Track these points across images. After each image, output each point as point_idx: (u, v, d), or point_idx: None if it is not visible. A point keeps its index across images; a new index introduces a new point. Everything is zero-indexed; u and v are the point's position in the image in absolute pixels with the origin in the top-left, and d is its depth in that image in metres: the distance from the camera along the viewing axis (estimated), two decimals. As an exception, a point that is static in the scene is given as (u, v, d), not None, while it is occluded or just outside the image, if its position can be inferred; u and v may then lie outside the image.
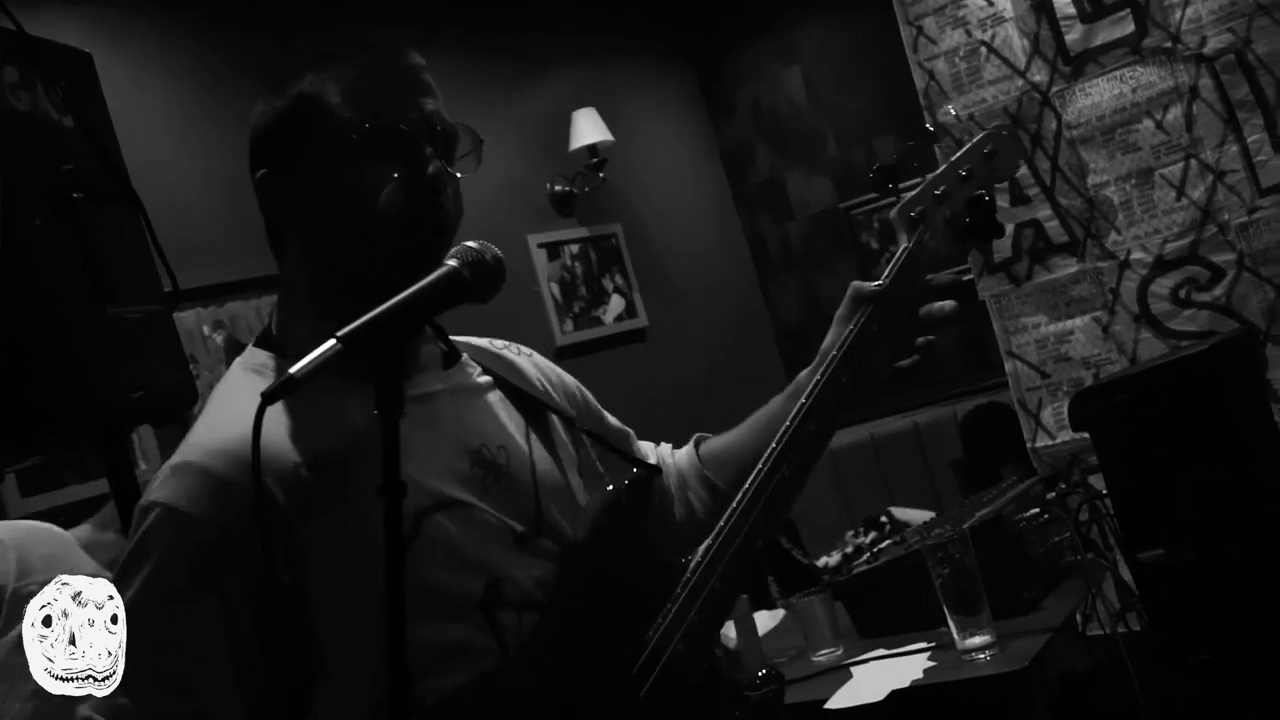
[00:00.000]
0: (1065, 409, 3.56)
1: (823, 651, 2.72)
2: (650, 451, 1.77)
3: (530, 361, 1.65)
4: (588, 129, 5.09)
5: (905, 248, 1.56)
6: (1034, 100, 3.68)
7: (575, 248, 5.24)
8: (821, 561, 3.31)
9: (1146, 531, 2.76)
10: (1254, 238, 3.41)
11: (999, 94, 3.74)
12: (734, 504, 1.45)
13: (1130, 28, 3.53)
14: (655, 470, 1.64)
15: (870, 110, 5.30)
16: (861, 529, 3.45)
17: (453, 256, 1.22)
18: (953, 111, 3.77)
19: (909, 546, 2.82)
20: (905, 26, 3.88)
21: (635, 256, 5.42)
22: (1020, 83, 3.69)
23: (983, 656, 2.40)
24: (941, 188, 1.57)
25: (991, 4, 3.72)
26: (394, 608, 1.10)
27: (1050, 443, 3.71)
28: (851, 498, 4.84)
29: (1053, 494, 3.03)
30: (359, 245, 1.36)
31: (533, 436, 1.52)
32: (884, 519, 3.51)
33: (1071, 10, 3.60)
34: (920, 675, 2.44)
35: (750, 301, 5.86)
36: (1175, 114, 3.49)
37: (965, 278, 3.85)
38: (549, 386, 1.64)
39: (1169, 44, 3.47)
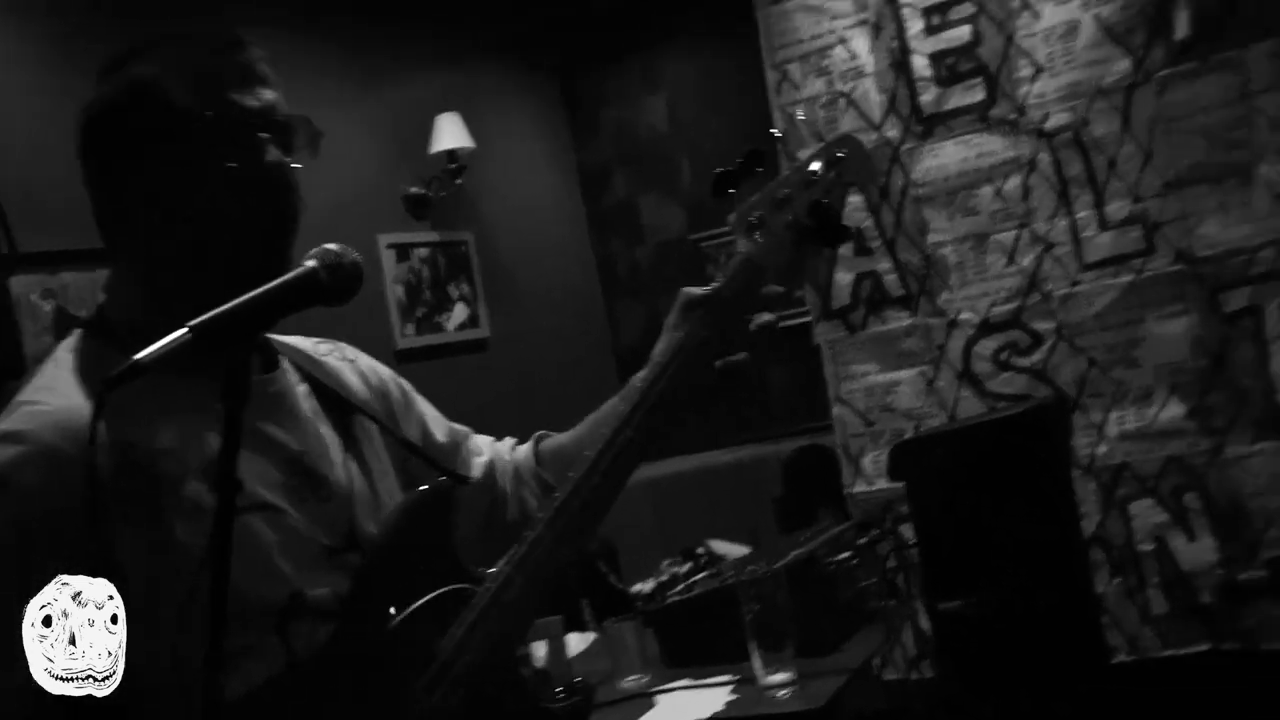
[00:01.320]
0: (884, 457, 3.61)
1: (630, 678, 2.72)
2: (487, 448, 1.73)
3: (353, 367, 1.60)
4: (449, 134, 5.03)
5: (744, 253, 1.52)
6: (885, 156, 3.71)
7: (424, 252, 5.17)
8: (637, 588, 3.31)
9: (948, 583, 2.83)
10: (1073, 309, 3.50)
11: (852, 145, 3.79)
12: (542, 514, 1.41)
13: (981, 95, 3.59)
14: (461, 479, 1.61)
15: (729, 144, 5.30)
16: (679, 559, 3.47)
17: (312, 257, 1.19)
18: (801, 114, 3.80)
19: (723, 580, 2.84)
20: (770, 70, 3.90)
21: (484, 266, 5.38)
22: (874, 136, 3.73)
23: (783, 693, 2.42)
24: (784, 192, 1.53)
25: (854, 58, 3.76)
26: (216, 605, 1.08)
27: (867, 489, 3.74)
28: (672, 528, 4.85)
29: (864, 540, 3.08)
30: (194, 237, 1.32)
31: (349, 448, 1.49)
32: (701, 551, 3.53)
33: (928, 73, 3.65)
34: (721, 707, 2.46)
35: (594, 321, 5.86)
36: (1014, 183, 3.56)
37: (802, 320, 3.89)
38: (370, 392, 1.60)
39: (1014, 116, 3.54)
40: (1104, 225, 3.46)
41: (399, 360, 4.89)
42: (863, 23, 3.73)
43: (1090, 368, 3.48)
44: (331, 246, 1.20)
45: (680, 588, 3.02)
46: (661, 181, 5.68)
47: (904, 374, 3.73)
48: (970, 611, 2.78)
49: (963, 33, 3.59)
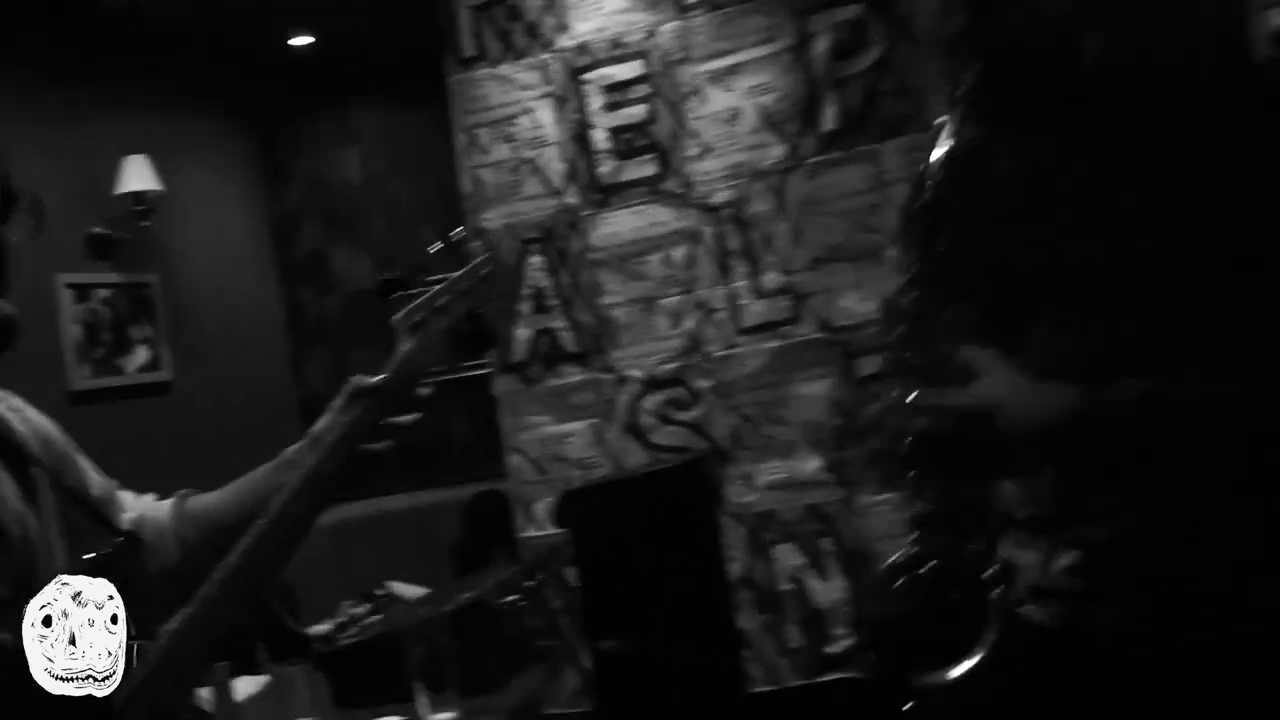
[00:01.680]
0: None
1: (297, 720, 2.71)
2: (132, 504, 1.74)
3: (20, 417, 1.59)
4: (136, 175, 4.90)
5: (406, 351, 1.63)
6: (565, 221, 3.87)
7: (106, 292, 4.99)
8: (315, 629, 3.31)
9: (606, 623, 2.97)
10: (728, 370, 3.73)
11: (536, 209, 3.91)
12: (216, 575, 1.46)
13: (653, 170, 3.80)
14: (136, 542, 1.63)
15: (420, 200, 5.42)
16: (360, 600, 3.48)
17: None
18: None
19: (392, 623, 2.89)
20: (460, 133, 4.00)
21: (170, 309, 5.23)
22: (555, 202, 3.88)
23: None
24: (442, 300, 1.66)
25: (539, 127, 3.90)
26: None
27: (538, 533, 3.82)
28: (355, 570, 4.84)
29: (531, 583, 3.18)
30: None
31: (28, 497, 1.48)
32: (382, 593, 3.55)
33: (607, 146, 3.84)
34: None
35: (279, 368, 5.78)
36: (680, 252, 3.78)
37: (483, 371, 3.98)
38: (36, 441, 1.59)
39: (683, 190, 3.78)
40: (758, 294, 3.73)
41: (73, 402, 4.70)
42: (548, 95, 3.90)
43: (742, 424, 3.73)
44: None
45: (353, 630, 3.05)
46: (352, 233, 5.69)
47: (576, 426, 3.87)
48: (625, 650, 2.93)
49: (639, 111, 3.82)
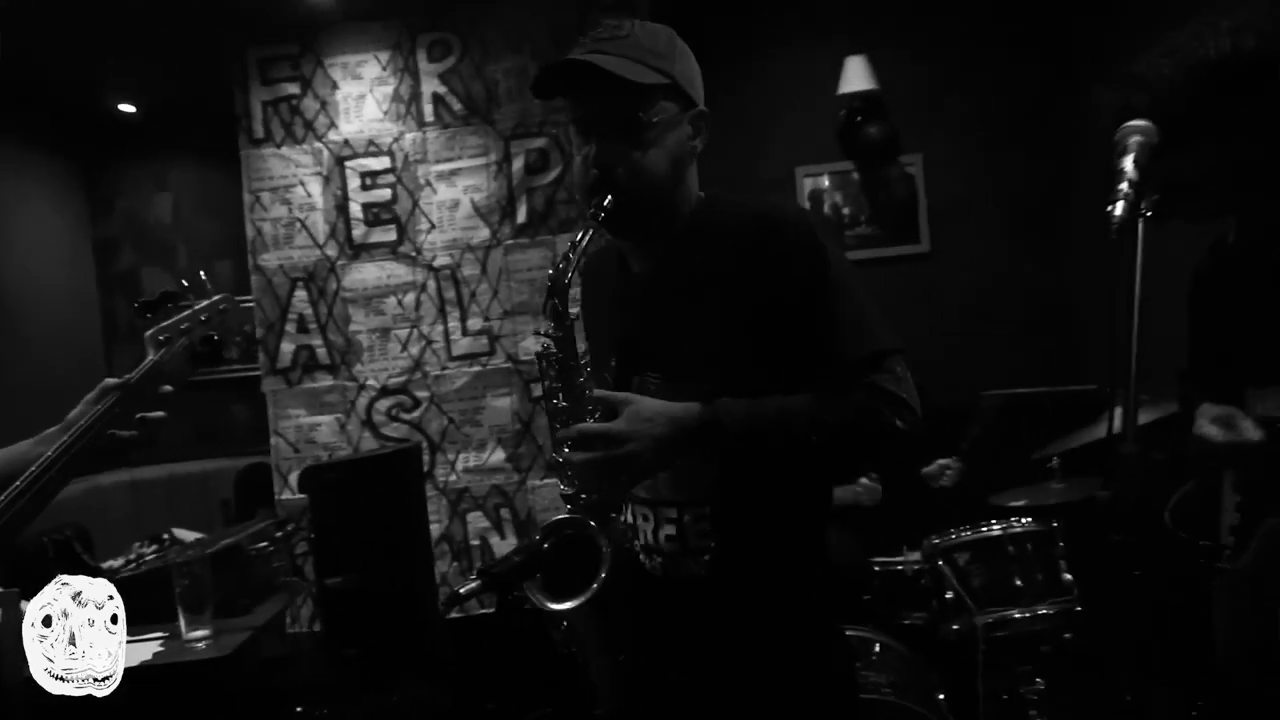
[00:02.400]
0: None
1: (78, 636, 2.57)
2: None
3: None
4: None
5: (152, 360, 1.62)
6: (325, 267, 3.85)
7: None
8: (107, 564, 3.13)
9: (335, 566, 2.96)
10: (441, 385, 3.81)
11: (303, 256, 3.86)
12: None
13: (393, 236, 3.83)
14: None
15: (217, 239, 5.17)
16: (148, 541, 3.31)
17: None
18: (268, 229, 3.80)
19: (165, 560, 2.78)
20: (247, 193, 3.90)
21: (2, 308, 4.75)
22: (319, 253, 3.85)
23: (201, 645, 2.41)
24: (186, 324, 1.67)
25: (310, 196, 3.86)
26: None
27: (291, 497, 3.78)
28: (148, 519, 4.57)
29: (280, 534, 3.13)
30: None
31: None
32: (167, 536, 3.39)
33: (360, 215, 3.84)
34: (149, 656, 2.39)
35: (95, 361, 5.36)
36: (410, 298, 3.82)
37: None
38: None
39: (414, 254, 3.82)
40: (465, 333, 3.82)
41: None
42: (318, 174, 3.86)
43: (450, 424, 3.81)
44: None
45: (133, 564, 2.91)
46: (162, 258, 5.36)
47: (324, 418, 3.83)
48: (347, 585, 2.93)
49: (385, 193, 3.83)
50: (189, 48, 4.03)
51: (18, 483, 1.43)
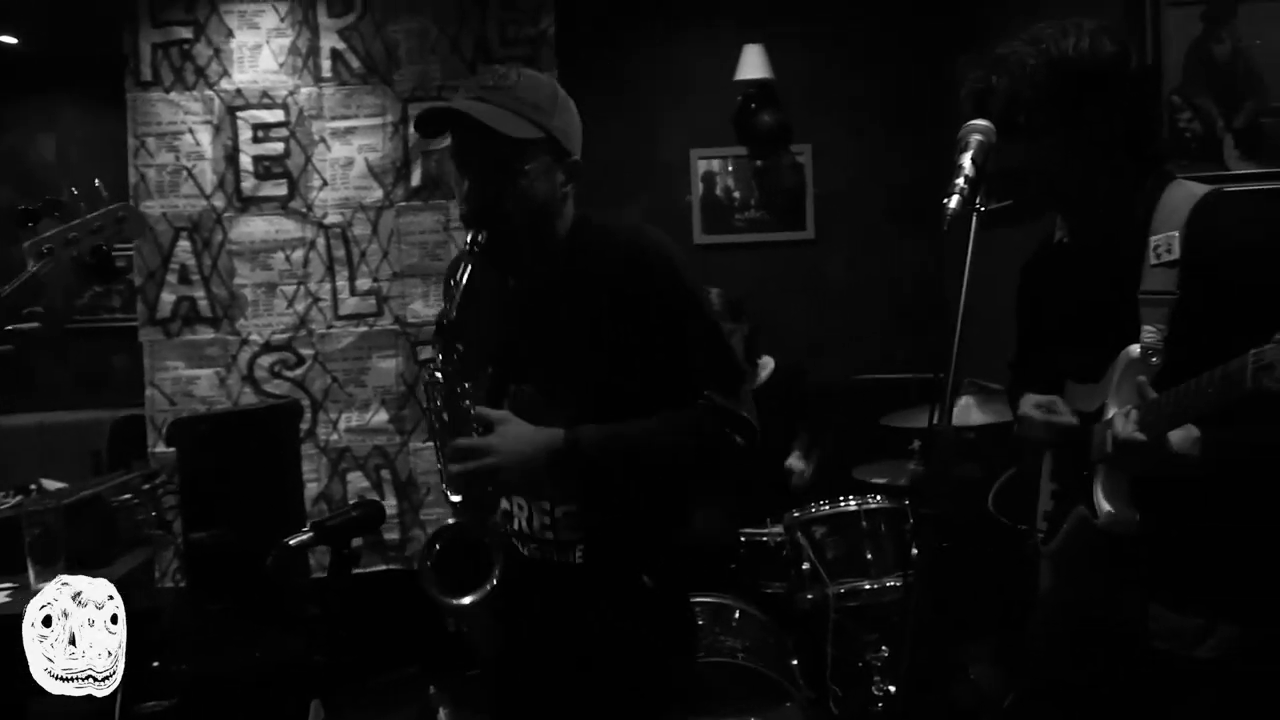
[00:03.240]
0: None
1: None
2: None
3: None
4: None
5: (29, 271, 1.55)
6: (211, 217, 3.72)
7: None
8: (-40, 514, 2.97)
9: (202, 520, 2.89)
10: (327, 344, 3.73)
11: (188, 205, 3.71)
12: None
13: (284, 191, 3.72)
14: None
15: (102, 182, 4.92)
16: (13, 490, 3.17)
17: None
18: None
19: (18, 509, 2.66)
20: (132, 138, 3.73)
21: None
22: (205, 203, 3.71)
23: None
24: (73, 234, 1.60)
25: (199, 145, 3.72)
26: None
27: (165, 450, 3.63)
28: (18, 468, 4.35)
29: (147, 486, 3.03)
30: None
31: None
32: (34, 486, 3.25)
33: (250, 168, 3.71)
34: None
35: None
36: (299, 254, 3.72)
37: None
38: None
39: (305, 210, 3.73)
40: (354, 293, 3.75)
41: None
42: (208, 122, 3.72)
43: (333, 383, 3.74)
44: None
45: (-12, 514, 2.77)
46: (44, 198, 5.07)
47: (204, 372, 3.72)
48: (214, 540, 2.87)
49: (278, 146, 3.72)
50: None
51: None
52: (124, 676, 2.61)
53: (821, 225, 4.00)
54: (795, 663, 2.61)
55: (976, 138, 1.28)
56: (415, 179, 3.72)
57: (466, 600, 1.44)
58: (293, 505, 3.21)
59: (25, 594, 2.33)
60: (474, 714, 2.89)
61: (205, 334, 3.72)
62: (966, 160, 1.26)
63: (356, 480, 3.75)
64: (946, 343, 1.21)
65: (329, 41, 3.72)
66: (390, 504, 3.73)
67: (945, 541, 1.54)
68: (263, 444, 3.02)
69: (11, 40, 4.69)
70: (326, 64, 3.72)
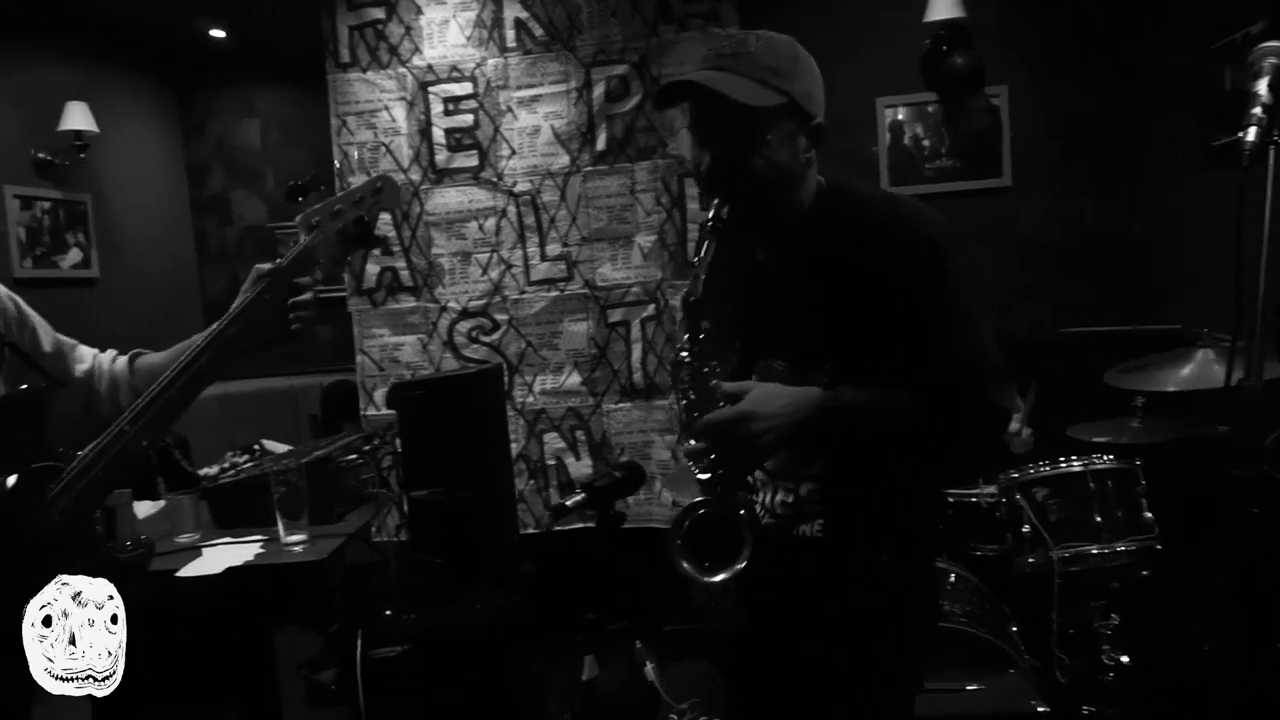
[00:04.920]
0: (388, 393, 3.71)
1: (184, 536, 2.63)
2: (90, 357, 1.62)
3: None
4: (76, 117, 4.49)
5: (304, 243, 1.50)
6: (409, 190, 3.80)
7: (48, 204, 4.57)
8: (204, 471, 3.18)
9: (420, 479, 2.96)
10: (520, 309, 3.77)
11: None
12: (128, 412, 1.34)
13: (475, 162, 3.77)
14: (58, 382, 1.51)
15: (303, 164, 5.17)
16: (240, 451, 3.36)
17: None
18: (355, 153, 3.78)
19: (263, 469, 2.81)
20: (334, 118, 3.85)
21: (99, 223, 4.84)
22: (403, 177, 3.80)
23: (298, 549, 2.45)
24: (338, 206, 1.54)
25: (394, 121, 3.80)
26: None
27: (376, 413, 3.81)
28: (238, 430, 4.65)
29: (368, 447, 3.15)
30: None
31: None
32: (257, 447, 3.44)
33: (443, 140, 3.77)
34: (251, 557, 2.43)
35: (187, 279, 5.45)
36: (491, 223, 3.78)
37: (338, 294, 3.88)
38: None
39: (495, 179, 3.76)
40: (544, 258, 3.76)
41: (15, 286, 4.29)
42: (402, 99, 3.79)
43: (527, 347, 3.78)
44: None
45: (232, 472, 2.95)
46: (250, 182, 5.38)
47: (407, 339, 3.83)
48: (432, 498, 2.94)
49: (468, 119, 3.76)
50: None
51: (169, 370, 1.37)
52: (359, 625, 2.73)
53: (1019, 171, 3.73)
54: (1015, 629, 2.47)
55: (1272, 61, 1.12)
56: (600, 143, 3.69)
57: (719, 578, 1.39)
58: (500, 465, 3.27)
59: (276, 545, 2.47)
60: (676, 666, 2.89)
61: (407, 302, 3.83)
62: (1262, 86, 1.10)
63: (553, 441, 3.80)
64: (1246, 294, 1.06)
65: (512, 11, 3.72)
66: (585, 464, 3.76)
67: (1256, 507, 1.38)
68: (472, 406, 3.07)
69: (221, 34, 4.95)
70: (510, 34, 3.72)
